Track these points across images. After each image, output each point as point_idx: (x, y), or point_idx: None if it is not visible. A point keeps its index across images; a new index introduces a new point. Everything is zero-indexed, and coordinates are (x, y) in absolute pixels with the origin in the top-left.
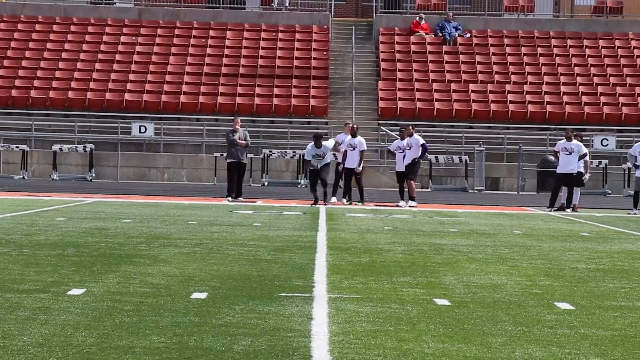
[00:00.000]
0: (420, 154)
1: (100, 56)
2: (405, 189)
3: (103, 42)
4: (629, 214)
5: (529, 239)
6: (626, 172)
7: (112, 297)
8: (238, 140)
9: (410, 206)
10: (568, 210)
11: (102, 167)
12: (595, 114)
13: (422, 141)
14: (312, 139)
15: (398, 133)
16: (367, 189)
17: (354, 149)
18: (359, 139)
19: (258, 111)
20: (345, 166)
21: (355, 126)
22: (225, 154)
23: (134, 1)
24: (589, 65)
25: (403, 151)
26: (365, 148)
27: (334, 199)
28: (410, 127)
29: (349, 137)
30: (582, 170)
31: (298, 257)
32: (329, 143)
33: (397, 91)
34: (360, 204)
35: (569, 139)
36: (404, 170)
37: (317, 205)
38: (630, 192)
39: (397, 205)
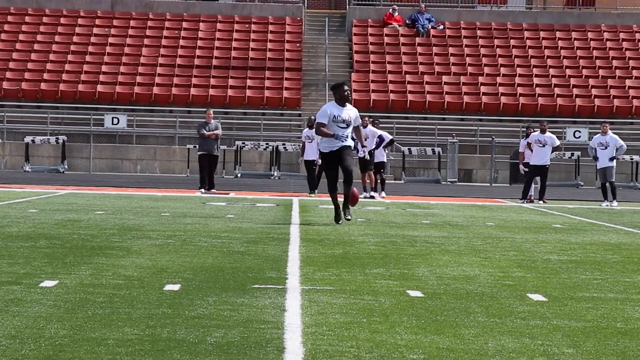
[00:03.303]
0: (374, 145)
1: (72, 48)
2: (378, 181)
3: (75, 34)
4: (600, 205)
5: (501, 231)
6: None
7: (84, 289)
8: (206, 133)
9: (368, 197)
10: (540, 202)
11: (75, 158)
12: (568, 105)
13: (379, 132)
14: (332, 90)
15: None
16: (340, 180)
17: (312, 140)
18: None
19: (231, 103)
20: (305, 158)
21: (313, 117)
22: (197, 146)
23: None
24: (561, 57)
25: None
26: None
27: (316, 192)
28: (366, 118)
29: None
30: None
31: (271, 249)
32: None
33: (370, 83)
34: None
35: (542, 131)
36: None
37: (340, 223)
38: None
39: (370, 197)
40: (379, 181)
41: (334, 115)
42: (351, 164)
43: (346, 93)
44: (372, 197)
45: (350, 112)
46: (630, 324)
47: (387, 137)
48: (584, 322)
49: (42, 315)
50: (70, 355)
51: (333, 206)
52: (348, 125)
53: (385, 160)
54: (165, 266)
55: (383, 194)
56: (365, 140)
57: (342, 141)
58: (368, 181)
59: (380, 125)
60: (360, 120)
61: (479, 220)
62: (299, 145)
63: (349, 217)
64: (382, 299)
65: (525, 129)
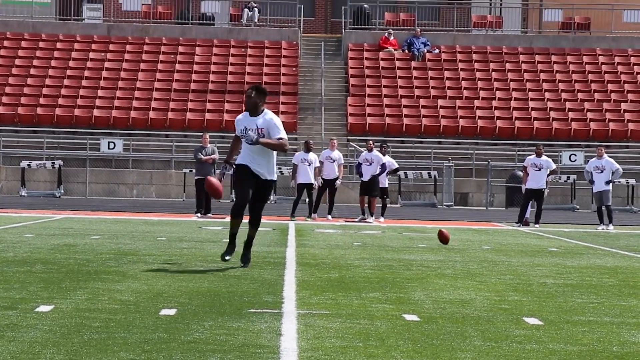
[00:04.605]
0: (378, 171)
1: (69, 72)
2: (379, 205)
3: (72, 58)
4: (596, 229)
5: (497, 255)
6: None
7: (80, 313)
8: (203, 157)
9: (362, 220)
10: (536, 225)
11: (71, 183)
12: (564, 129)
13: (383, 160)
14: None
15: (379, 149)
16: (336, 204)
17: (310, 164)
18: (313, 155)
19: (227, 127)
20: (298, 182)
21: (311, 142)
22: (194, 171)
23: (103, 17)
24: (557, 80)
25: (370, 164)
26: (318, 165)
27: (314, 215)
28: (371, 142)
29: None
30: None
31: (267, 273)
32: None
33: (366, 107)
34: (309, 218)
35: (538, 154)
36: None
37: (227, 259)
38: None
39: (363, 220)
40: (379, 205)
41: (241, 129)
42: (261, 208)
43: (252, 101)
44: (365, 220)
45: (260, 121)
46: (627, 348)
47: (393, 165)
48: (580, 346)
49: (38, 340)
50: None
51: (229, 234)
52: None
53: (387, 186)
54: (161, 291)
55: (382, 218)
56: (364, 165)
57: (256, 167)
58: (366, 205)
59: (381, 148)
60: (278, 133)
61: (474, 244)
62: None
63: (246, 264)
64: (378, 323)
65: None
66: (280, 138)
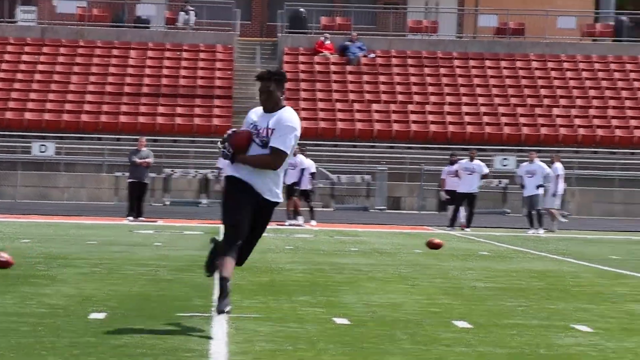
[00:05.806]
0: (297, 178)
1: (1, 75)
2: (306, 209)
3: (5, 61)
4: (527, 233)
5: (429, 258)
6: None
7: (8, 317)
8: (138, 160)
9: (291, 225)
10: (468, 229)
11: (1, 186)
12: (496, 134)
13: (306, 165)
14: None
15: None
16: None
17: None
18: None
19: (161, 130)
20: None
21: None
22: (127, 174)
23: (37, 20)
24: (490, 85)
25: (294, 168)
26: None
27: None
28: (297, 147)
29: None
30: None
31: (198, 276)
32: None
33: (301, 111)
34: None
35: (471, 159)
36: (292, 186)
37: (227, 311)
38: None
39: (296, 224)
40: (306, 209)
41: (251, 123)
42: (254, 245)
43: (266, 89)
44: (293, 224)
45: (273, 120)
46: (553, 351)
47: (312, 169)
48: (508, 348)
49: None
50: None
51: (220, 279)
52: (266, 145)
53: (307, 189)
54: (91, 295)
55: (313, 222)
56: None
57: (255, 182)
58: (292, 208)
59: (308, 153)
60: (278, 143)
61: (406, 247)
62: (218, 173)
63: (226, 309)
64: (308, 326)
65: (449, 157)
66: (275, 151)
